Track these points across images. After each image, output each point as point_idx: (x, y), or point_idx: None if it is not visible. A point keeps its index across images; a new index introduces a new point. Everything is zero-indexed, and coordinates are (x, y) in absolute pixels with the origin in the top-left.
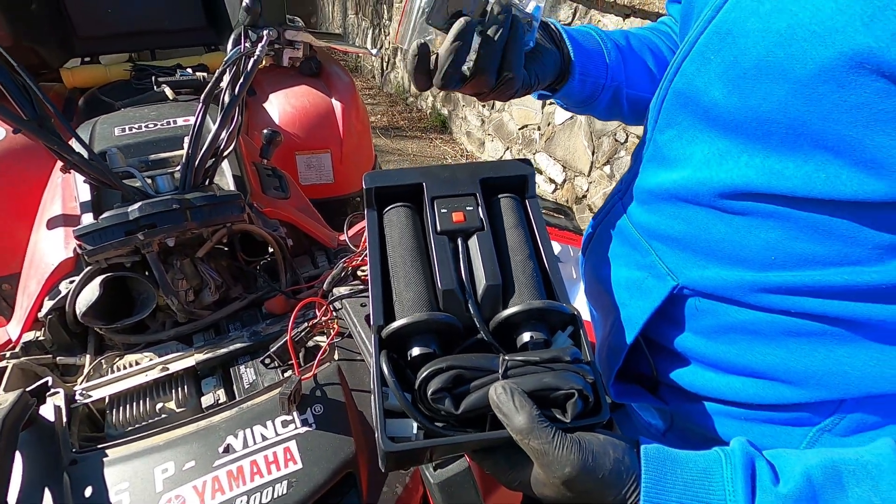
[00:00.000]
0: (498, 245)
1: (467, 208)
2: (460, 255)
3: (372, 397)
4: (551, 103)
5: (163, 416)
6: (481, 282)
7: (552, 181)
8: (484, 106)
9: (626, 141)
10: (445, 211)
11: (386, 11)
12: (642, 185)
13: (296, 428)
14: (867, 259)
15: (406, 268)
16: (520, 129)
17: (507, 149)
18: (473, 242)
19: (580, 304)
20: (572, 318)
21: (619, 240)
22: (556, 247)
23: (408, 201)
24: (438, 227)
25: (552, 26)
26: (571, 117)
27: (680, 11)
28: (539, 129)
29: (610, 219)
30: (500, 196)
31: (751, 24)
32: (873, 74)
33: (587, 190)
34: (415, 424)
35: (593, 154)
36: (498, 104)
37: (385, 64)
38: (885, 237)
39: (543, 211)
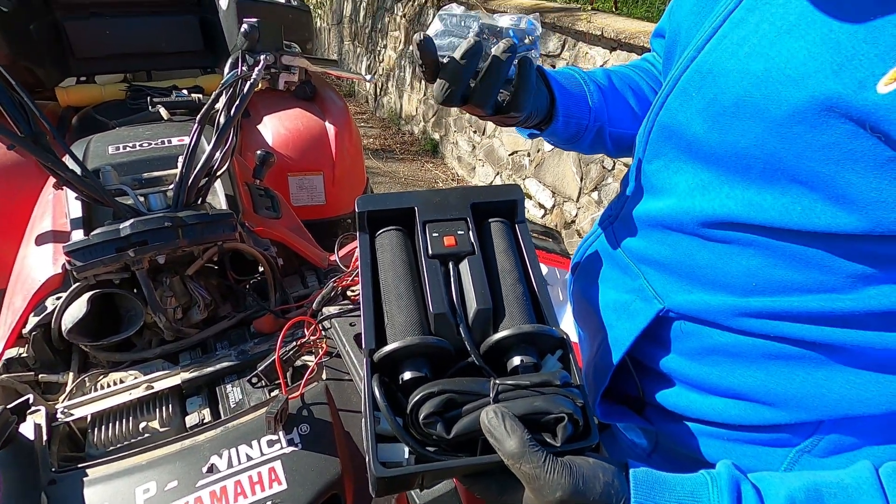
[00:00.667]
0: (488, 269)
1: (458, 232)
2: (451, 279)
3: (363, 421)
4: None
5: (146, 435)
6: (472, 305)
7: (542, 206)
8: (475, 132)
9: (613, 168)
10: (437, 235)
11: (381, 40)
12: (631, 211)
13: (281, 448)
14: (842, 287)
15: (398, 291)
16: (510, 154)
17: (498, 174)
18: (464, 266)
19: (567, 325)
20: (562, 341)
21: (609, 263)
22: (544, 269)
23: (399, 225)
24: (430, 251)
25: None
26: None
27: (663, 46)
28: (529, 155)
29: (600, 243)
30: (490, 220)
31: (730, 65)
32: (842, 118)
33: (576, 215)
34: (406, 449)
35: (581, 180)
36: (488, 130)
37: (378, 89)
38: (858, 267)
39: (531, 234)
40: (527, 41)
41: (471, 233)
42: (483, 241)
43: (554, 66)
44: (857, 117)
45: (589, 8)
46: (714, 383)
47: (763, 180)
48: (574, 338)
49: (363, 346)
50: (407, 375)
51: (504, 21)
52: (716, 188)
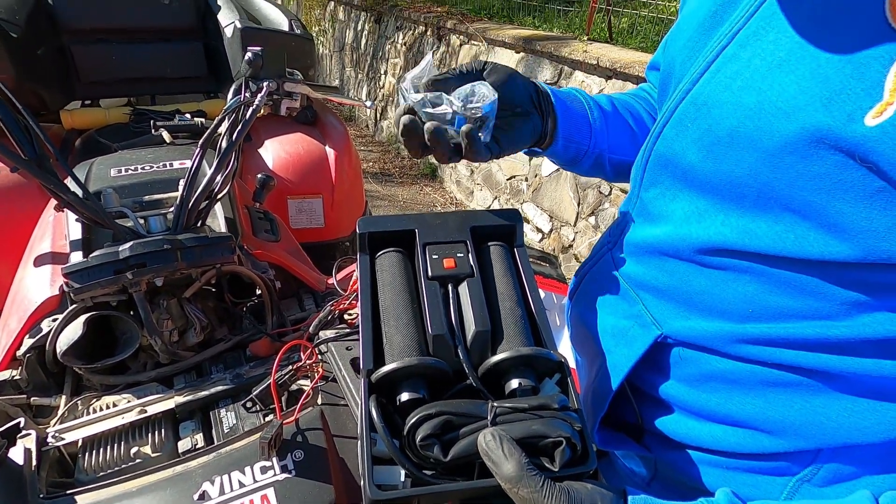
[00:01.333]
0: (487, 291)
1: (458, 255)
2: (450, 301)
3: (359, 443)
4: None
5: (137, 460)
6: (471, 327)
7: (539, 230)
8: None
9: (609, 193)
10: (437, 257)
11: (382, 67)
12: (630, 237)
13: (275, 475)
14: (836, 314)
15: (397, 312)
16: (508, 179)
17: (496, 198)
18: (464, 288)
19: (564, 351)
20: (560, 365)
21: (608, 289)
22: (541, 294)
23: (400, 247)
24: (430, 273)
25: (541, 90)
26: (557, 170)
27: (658, 78)
28: (526, 179)
29: (598, 268)
30: (489, 244)
31: (724, 98)
32: (832, 149)
33: (573, 239)
34: (402, 472)
35: (579, 205)
36: None
37: (378, 114)
38: (851, 294)
39: (529, 259)
40: (476, 117)
41: (470, 256)
42: (482, 264)
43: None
44: (846, 148)
45: (585, 38)
46: (713, 410)
47: (757, 208)
48: (571, 363)
49: (361, 366)
50: (404, 396)
51: (455, 104)
52: (711, 216)
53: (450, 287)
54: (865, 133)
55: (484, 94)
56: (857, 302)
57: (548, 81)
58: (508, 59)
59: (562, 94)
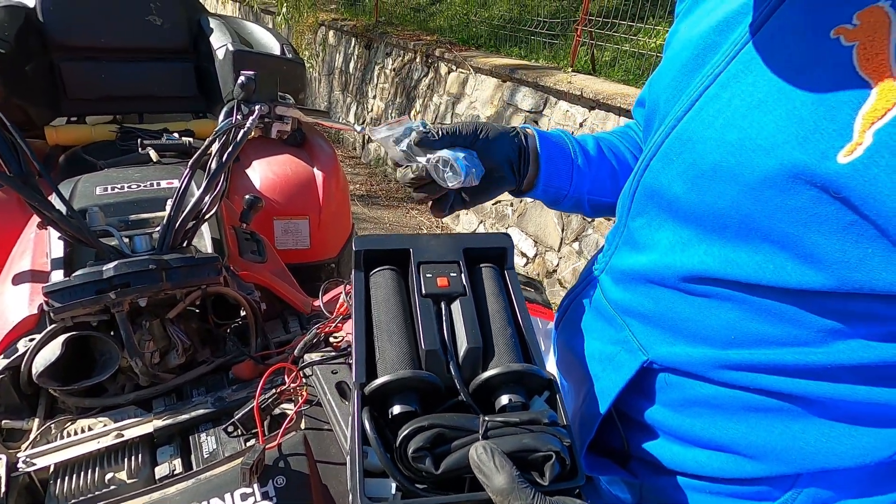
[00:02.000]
0: (479, 310)
1: (451, 274)
2: (443, 318)
3: (348, 457)
4: None
5: (112, 487)
6: (462, 344)
7: (524, 255)
8: None
9: (593, 220)
10: (430, 275)
11: (370, 91)
12: (616, 265)
13: (255, 501)
14: (814, 341)
15: (390, 327)
16: (493, 204)
17: (481, 222)
18: (456, 306)
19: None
20: (549, 382)
21: (595, 314)
22: None
23: (394, 265)
24: (423, 290)
25: (524, 151)
26: None
27: (644, 115)
28: (512, 205)
29: (585, 294)
30: (481, 265)
31: (708, 134)
32: (808, 184)
33: (557, 265)
34: (393, 485)
35: (563, 231)
36: None
37: (365, 136)
38: (828, 322)
39: (519, 281)
40: (449, 172)
41: (463, 275)
42: (474, 283)
43: (537, 123)
44: (821, 184)
45: (569, 69)
46: (697, 435)
47: (738, 239)
48: None
49: (354, 379)
50: (396, 409)
51: (433, 176)
52: (695, 245)
53: (442, 305)
54: (838, 170)
55: (455, 170)
56: (834, 329)
57: (532, 109)
58: (495, 87)
59: (548, 144)
